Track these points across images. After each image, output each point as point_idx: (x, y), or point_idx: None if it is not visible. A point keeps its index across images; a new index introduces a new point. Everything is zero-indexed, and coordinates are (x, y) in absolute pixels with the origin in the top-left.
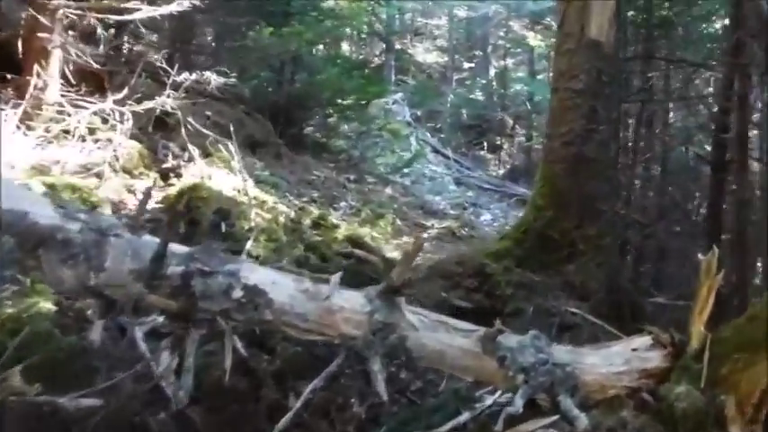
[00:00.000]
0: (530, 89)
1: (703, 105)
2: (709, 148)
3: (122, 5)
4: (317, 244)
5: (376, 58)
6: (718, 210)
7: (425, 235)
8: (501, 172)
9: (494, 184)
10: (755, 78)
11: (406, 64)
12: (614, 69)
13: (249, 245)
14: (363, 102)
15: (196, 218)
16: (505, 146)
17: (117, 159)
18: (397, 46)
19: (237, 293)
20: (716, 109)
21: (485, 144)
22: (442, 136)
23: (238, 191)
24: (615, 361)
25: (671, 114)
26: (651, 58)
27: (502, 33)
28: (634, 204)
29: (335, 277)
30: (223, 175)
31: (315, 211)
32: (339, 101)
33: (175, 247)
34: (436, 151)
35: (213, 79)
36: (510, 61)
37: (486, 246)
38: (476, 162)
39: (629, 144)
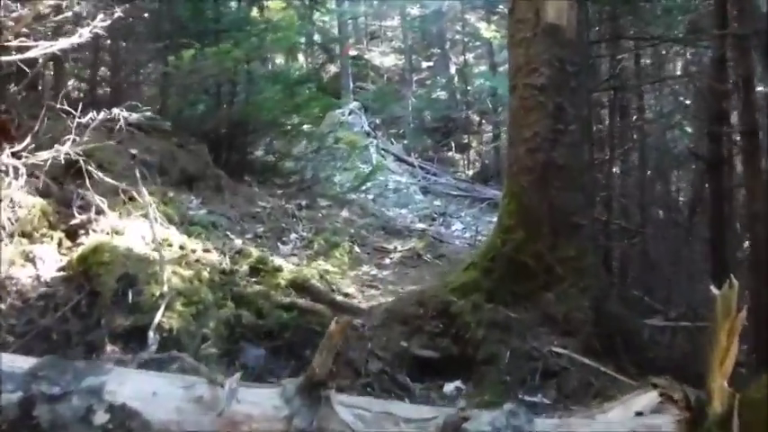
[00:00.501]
0: (491, 84)
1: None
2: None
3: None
4: (253, 296)
5: (333, 68)
6: (720, 219)
7: (387, 260)
8: (470, 173)
9: (463, 189)
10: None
11: (365, 69)
12: (579, 57)
13: (158, 317)
14: (311, 118)
15: (96, 289)
16: (474, 143)
17: (13, 222)
18: (353, 52)
19: (101, 418)
20: (705, 93)
21: (452, 144)
22: (406, 142)
23: (158, 244)
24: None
25: (650, 101)
26: (620, 38)
27: (458, 28)
28: (616, 209)
29: (232, 380)
30: (141, 226)
31: (254, 252)
32: (283, 120)
33: (14, 362)
34: (400, 159)
35: (123, 116)
36: (470, 56)
37: (450, 279)
38: (443, 166)
39: (603, 138)
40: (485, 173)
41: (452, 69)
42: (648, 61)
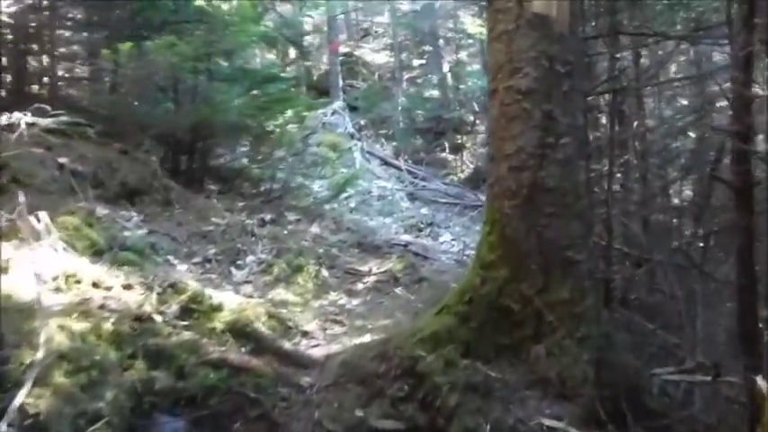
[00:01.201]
0: (482, 84)
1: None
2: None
3: None
4: (175, 350)
5: (323, 65)
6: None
7: (360, 286)
8: (462, 176)
9: (453, 195)
10: None
11: (355, 67)
12: (573, 55)
13: (20, 397)
14: (280, 120)
15: None
16: (467, 144)
17: None
18: (344, 48)
19: None
20: (730, 103)
21: (445, 145)
22: (395, 144)
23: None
24: None
25: (649, 105)
26: (620, 34)
27: (451, 25)
28: (617, 230)
29: None
30: (41, 259)
31: (190, 286)
32: (249, 123)
33: None
34: (386, 163)
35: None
36: (463, 54)
37: (419, 325)
38: (434, 168)
39: (602, 148)
40: (477, 176)
41: (445, 68)
42: (646, 61)
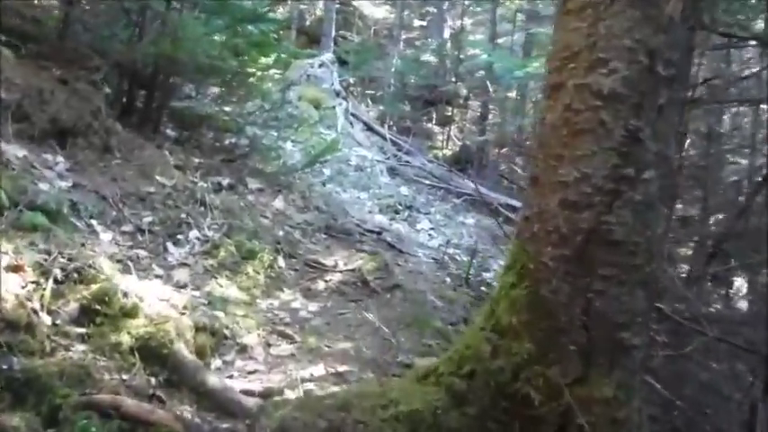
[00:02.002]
0: (488, 57)
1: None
2: None
3: None
4: (52, 379)
5: (318, 10)
6: None
7: (321, 285)
8: (448, 152)
9: (437, 176)
10: None
11: (352, 18)
12: (679, 52)
13: None
14: (256, 66)
15: None
16: (457, 118)
17: None
18: None
19: None
20: None
21: (433, 115)
22: (381, 108)
23: None
24: None
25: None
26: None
27: None
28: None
29: None
30: None
31: (103, 275)
32: (221, 65)
33: None
34: (370, 129)
35: None
36: (468, 21)
37: (393, 394)
38: (419, 139)
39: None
40: (464, 156)
41: (446, 33)
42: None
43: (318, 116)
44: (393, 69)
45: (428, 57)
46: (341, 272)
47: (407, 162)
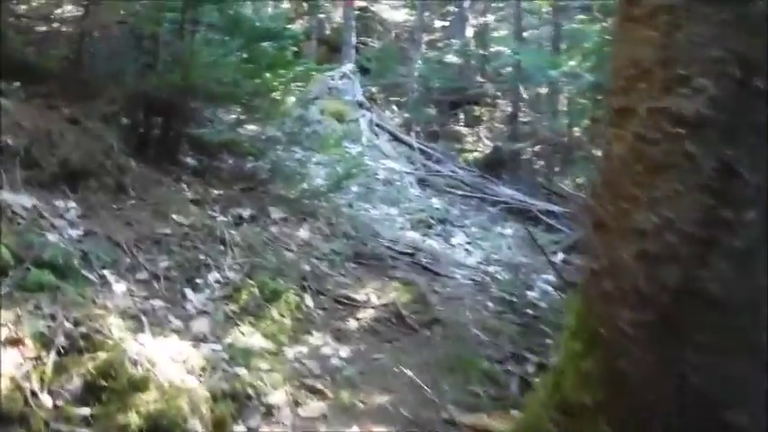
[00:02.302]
0: (513, 52)
1: None
2: None
3: None
4: None
5: (338, 18)
6: None
7: (352, 324)
8: (479, 155)
9: (469, 184)
10: None
11: (371, 23)
12: None
13: None
14: (275, 87)
15: None
16: (485, 117)
17: None
18: (360, 2)
19: None
20: None
21: (461, 116)
22: (407, 115)
23: None
24: None
25: None
26: None
27: None
28: None
29: None
30: None
31: (112, 339)
32: (233, 90)
33: None
34: (396, 138)
35: None
36: (491, 17)
37: None
38: (448, 142)
39: None
40: (497, 159)
41: (469, 32)
42: None
43: (342, 130)
44: (416, 74)
45: (452, 57)
46: (373, 307)
47: (437, 171)
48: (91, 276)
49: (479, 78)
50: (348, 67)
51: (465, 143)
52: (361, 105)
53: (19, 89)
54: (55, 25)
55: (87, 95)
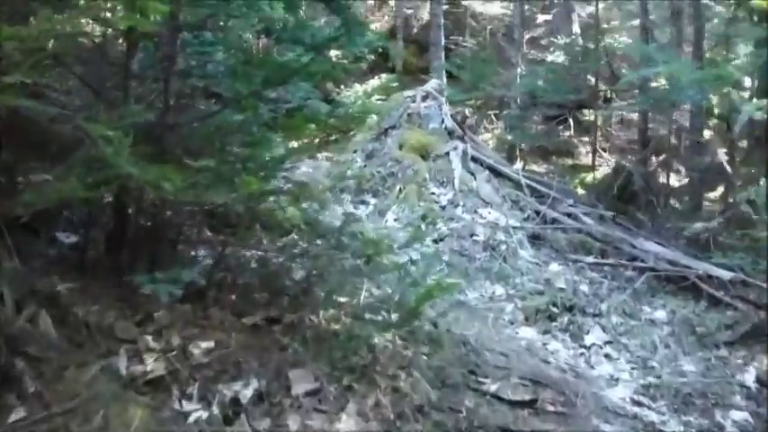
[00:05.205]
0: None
1: None
2: None
3: None
4: None
5: (426, 14)
6: None
7: None
8: (598, 176)
9: (599, 237)
10: None
11: (463, 18)
12: None
13: None
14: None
15: None
16: (599, 123)
17: None
18: None
19: None
20: None
21: (570, 123)
22: (510, 137)
23: None
24: None
25: None
26: None
27: None
28: None
29: None
30: None
31: None
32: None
33: None
34: (497, 173)
35: None
36: (601, 6)
37: None
38: (558, 161)
39: None
40: (626, 187)
41: (575, 28)
42: None
43: (427, 169)
44: (518, 80)
45: (556, 56)
46: None
47: (555, 221)
48: None
49: (592, 79)
50: (432, 84)
51: (578, 156)
52: (450, 134)
53: None
54: None
55: None
